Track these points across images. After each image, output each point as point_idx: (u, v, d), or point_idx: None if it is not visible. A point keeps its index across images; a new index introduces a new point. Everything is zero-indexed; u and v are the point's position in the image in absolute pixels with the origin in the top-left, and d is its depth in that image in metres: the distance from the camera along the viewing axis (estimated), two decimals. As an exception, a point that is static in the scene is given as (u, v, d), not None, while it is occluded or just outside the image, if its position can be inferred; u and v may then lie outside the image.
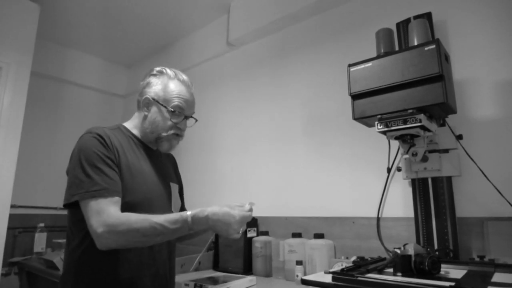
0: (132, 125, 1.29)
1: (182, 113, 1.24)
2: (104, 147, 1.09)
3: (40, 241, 2.66)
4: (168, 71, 1.27)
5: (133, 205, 1.09)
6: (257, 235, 2.01)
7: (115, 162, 1.10)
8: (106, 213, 1.00)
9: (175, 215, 1.04)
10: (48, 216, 2.72)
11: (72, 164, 1.08)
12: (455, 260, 1.32)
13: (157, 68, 1.28)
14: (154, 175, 1.23)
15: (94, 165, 1.05)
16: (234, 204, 1.12)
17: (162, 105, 1.21)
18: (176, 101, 1.22)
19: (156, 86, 1.24)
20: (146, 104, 1.24)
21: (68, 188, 1.06)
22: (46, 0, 2.49)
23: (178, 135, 1.27)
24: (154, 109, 1.23)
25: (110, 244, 1.00)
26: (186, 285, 1.53)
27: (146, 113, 1.24)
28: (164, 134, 1.23)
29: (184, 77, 1.28)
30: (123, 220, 0.99)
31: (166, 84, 1.24)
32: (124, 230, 0.98)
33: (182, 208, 1.41)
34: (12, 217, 2.23)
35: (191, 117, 1.30)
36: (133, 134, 1.26)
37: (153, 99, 1.22)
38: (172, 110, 1.21)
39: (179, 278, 1.52)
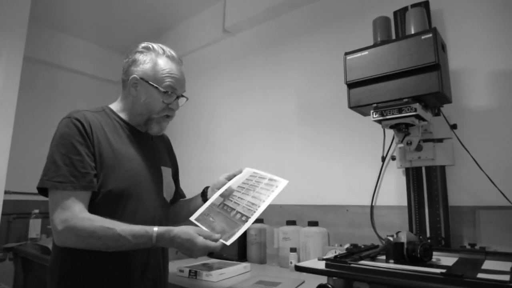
0: (118, 107, 1.22)
1: (174, 93, 1.16)
2: (80, 134, 1.04)
3: (34, 227, 2.66)
4: (155, 46, 1.17)
5: (118, 193, 1.05)
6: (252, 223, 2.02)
7: (92, 150, 1.05)
8: (70, 212, 0.96)
9: (141, 229, 0.97)
10: (43, 202, 2.66)
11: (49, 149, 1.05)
12: (447, 248, 1.34)
13: (143, 44, 1.18)
14: (142, 159, 1.16)
15: (64, 154, 1.01)
16: (205, 230, 1.04)
17: (152, 85, 1.13)
18: (167, 81, 1.14)
19: (144, 65, 1.14)
20: (133, 84, 1.15)
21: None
22: (38, -17, 2.44)
23: (169, 116, 1.20)
24: (143, 89, 1.14)
25: (68, 244, 0.98)
26: (181, 271, 1.54)
27: (134, 94, 1.16)
28: (155, 116, 1.17)
29: (173, 53, 1.19)
30: (87, 225, 0.95)
31: (155, 62, 1.14)
32: (85, 235, 0.95)
33: (176, 192, 1.36)
34: (6, 203, 2.22)
35: (182, 95, 1.22)
36: (119, 117, 1.19)
37: (142, 78, 1.13)
38: (164, 91, 1.13)
39: (174, 265, 1.54)
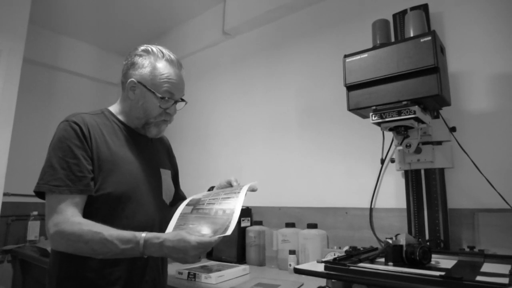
0: (117, 109, 1.21)
1: (172, 98, 1.15)
2: (77, 138, 1.03)
3: (33, 229, 2.66)
4: (154, 49, 1.15)
5: (116, 196, 1.05)
6: (251, 225, 2.02)
7: (89, 154, 1.04)
8: (63, 216, 0.96)
9: (129, 234, 0.94)
10: (41, 204, 2.63)
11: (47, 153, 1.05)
12: (446, 251, 1.34)
13: (142, 47, 1.17)
14: (140, 162, 1.15)
15: (61, 158, 1.00)
16: (197, 232, 0.98)
17: (149, 90, 1.12)
18: (165, 86, 1.12)
19: (142, 69, 1.13)
20: (131, 87, 1.14)
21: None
22: (38, -15, 2.45)
23: (167, 120, 1.20)
24: (140, 93, 1.13)
25: (59, 248, 0.98)
26: (180, 273, 1.53)
27: (132, 97, 1.15)
28: (152, 120, 1.16)
29: (172, 56, 1.17)
30: (75, 230, 0.94)
31: (153, 66, 1.13)
32: (73, 240, 0.94)
33: (177, 194, 1.36)
34: (5, 205, 2.22)
35: (181, 99, 1.21)
36: (118, 119, 1.18)
37: (139, 82, 1.12)
38: (161, 96, 1.12)
39: (173, 267, 1.53)
